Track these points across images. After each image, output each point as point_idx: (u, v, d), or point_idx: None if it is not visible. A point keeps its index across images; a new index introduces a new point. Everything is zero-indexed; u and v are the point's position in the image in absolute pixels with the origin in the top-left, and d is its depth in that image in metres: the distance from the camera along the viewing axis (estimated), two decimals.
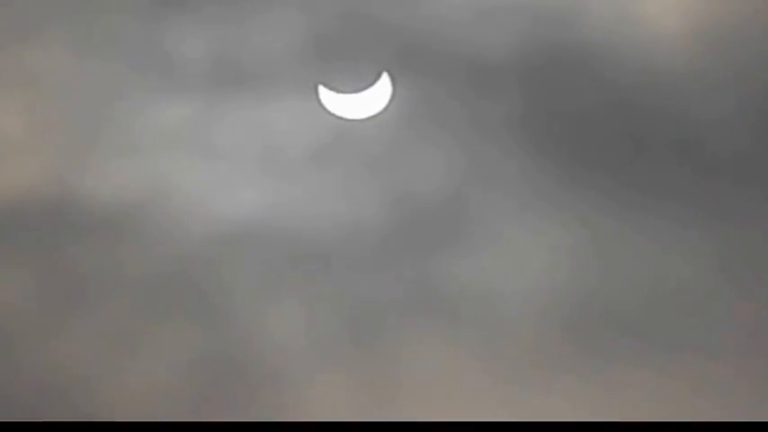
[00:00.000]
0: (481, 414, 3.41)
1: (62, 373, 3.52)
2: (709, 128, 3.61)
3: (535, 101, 3.71)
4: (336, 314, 3.53)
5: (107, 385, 3.51)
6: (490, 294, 3.54)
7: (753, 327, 3.53)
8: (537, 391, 3.50)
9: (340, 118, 3.84)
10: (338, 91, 3.82)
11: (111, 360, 3.50)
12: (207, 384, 3.46)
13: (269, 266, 3.55)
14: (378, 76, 3.88)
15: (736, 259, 3.59)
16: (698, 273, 3.56)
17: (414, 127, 3.74)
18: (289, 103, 3.69)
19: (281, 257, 3.55)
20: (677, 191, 3.56)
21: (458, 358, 3.49)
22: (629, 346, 3.52)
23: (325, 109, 3.82)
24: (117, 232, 3.51)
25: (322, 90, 3.81)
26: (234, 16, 3.71)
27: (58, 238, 3.48)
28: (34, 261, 3.48)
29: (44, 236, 3.47)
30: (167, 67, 3.58)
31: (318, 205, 3.59)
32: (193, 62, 3.61)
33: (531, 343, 3.52)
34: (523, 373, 3.49)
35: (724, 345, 3.54)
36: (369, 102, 3.86)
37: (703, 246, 3.54)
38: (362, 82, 3.85)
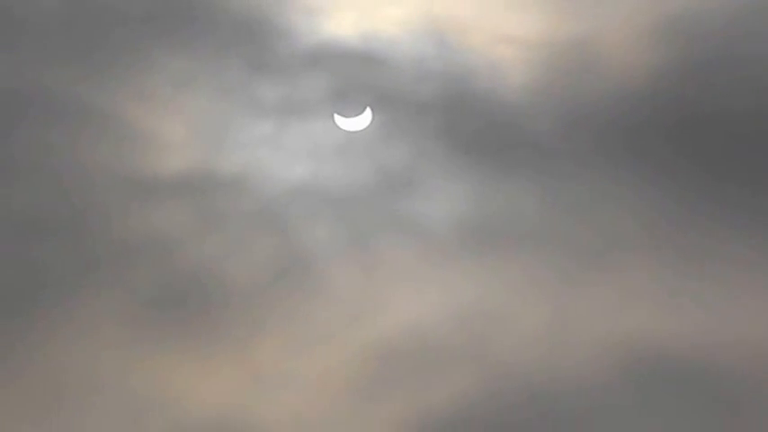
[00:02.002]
0: (423, 279, 6.61)
1: (199, 267, 6.64)
2: (541, 131, 6.91)
3: (450, 119, 6.96)
4: (345, 231, 6.72)
5: (224, 272, 6.63)
6: (430, 219, 6.76)
7: (563, 235, 6.79)
8: (456, 270, 6.71)
9: (345, 131, 7.05)
10: (344, 116, 7.04)
11: (226, 256, 6.63)
12: (278, 267, 6.61)
13: (309, 205, 6.73)
14: (364, 109, 7.10)
15: (553, 205, 6.86)
16: (535, 208, 6.82)
17: (383, 135, 6.96)
18: (319, 122, 6.91)
19: (317, 201, 6.74)
20: (525, 162, 6.83)
21: (413, 251, 6.69)
22: (502, 242, 6.75)
23: (337, 126, 7.03)
24: (229, 190, 6.68)
25: (336, 116, 7.03)
26: (287, 76, 6.91)
27: (200, 193, 6.64)
28: (188, 206, 6.64)
29: (193, 192, 6.63)
30: (256, 104, 6.79)
31: (334, 174, 6.79)
32: (269, 101, 6.82)
33: (454, 243, 6.73)
34: (449, 259, 6.70)
35: (545, 243, 6.79)
36: (359, 122, 7.07)
37: (534, 194, 6.82)
38: (356, 112, 7.08)
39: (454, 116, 6.96)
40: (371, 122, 6.99)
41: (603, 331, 6.71)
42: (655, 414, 6.67)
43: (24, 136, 6.52)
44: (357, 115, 6.99)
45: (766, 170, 6.79)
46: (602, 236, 6.72)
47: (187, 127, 6.76)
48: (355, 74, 6.97)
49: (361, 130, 6.98)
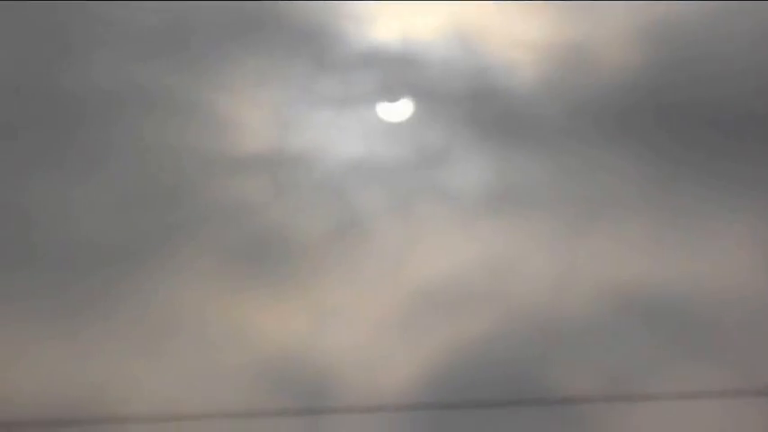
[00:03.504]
0: (454, 235, 8.20)
1: (274, 226, 8.25)
2: (548, 115, 8.52)
3: (475, 107, 8.59)
4: (392, 196, 8.33)
5: (294, 230, 8.23)
6: (460, 187, 8.37)
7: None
8: (481, 228, 8.31)
9: (390, 117, 8.68)
10: (389, 105, 8.67)
11: (296, 217, 8.24)
12: (337, 225, 8.21)
13: (362, 176, 8.35)
14: (405, 99, 8.72)
15: (559, 173, 8.46)
16: (544, 177, 8.42)
17: (421, 120, 8.59)
18: (369, 110, 8.54)
19: (368, 173, 8.36)
20: (536, 140, 8.44)
21: (446, 213, 8.29)
22: (519, 205, 8.34)
23: (383, 113, 8.66)
24: (297, 164, 8.31)
25: (382, 105, 8.66)
26: (343, 73, 8.56)
27: (274, 167, 8.27)
28: (264, 177, 8.25)
29: (268, 166, 8.26)
30: (318, 95, 8.43)
31: (382, 151, 8.42)
32: (328, 93, 8.46)
33: (479, 206, 8.34)
34: (475, 219, 8.30)
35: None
36: (402, 110, 8.69)
37: (544, 165, 8.42)
38: (398, 101, 8.70)
39: (478, 105, 8.59)
40: (412, 110, 8.62)
41: (602, 276, 8.30)
42: (644, 344, 8.24)
43: (135, 124, 8.17)
44: (399, 104, 8.61)
45: (731, 144, 8.40)
46: (600, 198, 8.33)
47: (262, 113, 8.40)
48: (398, 71, 8.61)
49: (403, 116, 8.60)
